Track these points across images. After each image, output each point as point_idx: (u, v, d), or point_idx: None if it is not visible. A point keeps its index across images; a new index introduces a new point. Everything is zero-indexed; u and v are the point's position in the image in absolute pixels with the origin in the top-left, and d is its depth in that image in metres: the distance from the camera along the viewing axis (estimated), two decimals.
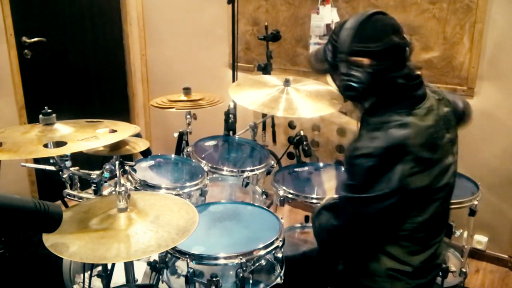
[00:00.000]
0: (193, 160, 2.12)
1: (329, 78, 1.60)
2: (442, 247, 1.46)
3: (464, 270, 2.14)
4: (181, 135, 2.36)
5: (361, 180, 1.27)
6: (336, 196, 1.40)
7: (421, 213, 1.33)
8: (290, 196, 1.91)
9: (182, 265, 1.60)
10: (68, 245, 1.19)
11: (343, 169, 2.15)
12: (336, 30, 1.35)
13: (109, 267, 1.67)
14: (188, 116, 2.32)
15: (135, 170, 1.94)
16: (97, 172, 1.61)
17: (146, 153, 1.71)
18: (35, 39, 2.93)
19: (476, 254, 2.67)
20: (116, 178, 1.41)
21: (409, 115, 1.28)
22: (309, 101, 2.05)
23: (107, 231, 1.27)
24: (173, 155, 2.21)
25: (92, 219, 1.33)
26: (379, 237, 1.36)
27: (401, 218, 1.32)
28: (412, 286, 1.37)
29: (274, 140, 2.72)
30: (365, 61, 1.28)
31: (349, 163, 1.30)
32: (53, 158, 1.53)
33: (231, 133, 2.36)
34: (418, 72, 1.36)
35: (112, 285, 1.67)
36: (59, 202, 1.88)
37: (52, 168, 1.57)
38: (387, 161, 1.24)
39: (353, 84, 1.29)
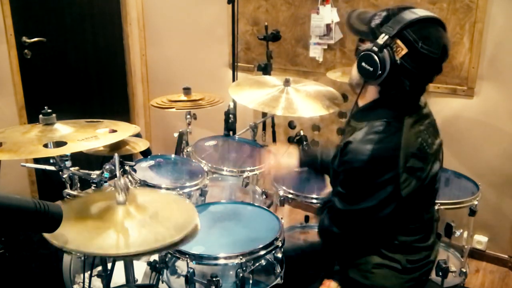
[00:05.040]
0: (193, 160, 2.12)
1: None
2: (435, 245, 1.48)
3: (464, 270, 2.14)
4: (181, 135, 2.36)
5: (352, 190, 1.28)
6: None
7: (412, 219, 1.35)
8: (290, 196, 1.92)
9: (182, 265, 1.60)
10: (64, 234, 1.18)
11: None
12: (402, 7, 1.28)
13: (109, 267, 1.67)
14: (188, 116, 2.32)
15: (135, 170, 1.94)
16: (97, 172, 1.61)
17: (146, 153, 1.71)
18: (35, 39, 2.93)
19: (476, 254, 2.67)
20: (116, 178, 1.41)
21: (399, 123, 1.28)
22: (309, 101, 2.05)
23: (104, 222, 1.26)
24: (173, 155, 2.21)
25: (91, 210, 1.32)
26: (373, 240, 1.38)
27: (392, 225, 1.34)
28: (406, 280, 1.38)
29: (274, 140, 2.72)
30: (403, 50, 1.22)
31: (342, 171, 1.30)
32: (53, 158, 1.53)
33: (231, 133, 2.36)
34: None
35: (112, 285, 1.67)
36: (59, 202, 1.88)
37: (52, 168, 1.56)
38: (378, 174, 1.24)
39: (374, 57, 1.23)
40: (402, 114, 1.30)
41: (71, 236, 1.18)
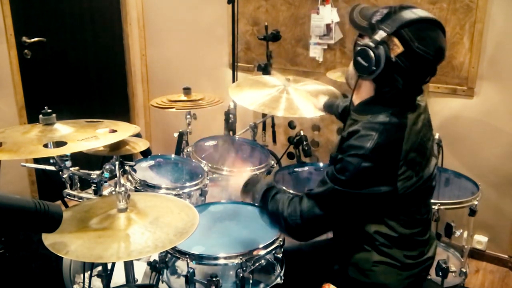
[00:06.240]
0: (193, 160, 2.12)
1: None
2: (432, 243, 1.48)
3: (464, 270, 2.14)
4: (181, 135, 2.36)
5: (351, 177, 1.25)
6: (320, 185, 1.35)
7: (407, 213, 1.35)
8: None
9: (182, 265, 1.60)
10: (66, 244, 1.19)
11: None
12: (403, 6, 1.28)
13: (109, 267, 1.67)
14: (188, 116, 2.32)
15: (135, 170, 1.94)
16: (97, 172, 1.61)
17: (146, 153, 1.71)
18: (35, 39, 2.93)
19: (476, 254, 2.67)
20: (116, 178, 1.41)
21: (403, 118, 1.29)
22: (310, 101, 2.05)
23: (105, 230, 1.27)
24: (173, 155, 2.21)
25: (92, 218, 1.33)
26: (365, 231, 1.37)
27: (388, 215, 1.34)
28: (405, 277, 1.39)
29: (274, 140, 2.72)
30: (399, 49, 1.23)
31: (341, 159, 1.28)
32: (53, 158, 1.53)
33: (231, 133, 2.36)
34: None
35: (112, 285, 1.67)
36: (59, 202, 1.88)
37: (52, 168, 1.56)
38: (380, 164, 1.24)
39: (370, 53, 1.24)
40: (403, 110, 1.31)
41: (73, 247, 1.19)
